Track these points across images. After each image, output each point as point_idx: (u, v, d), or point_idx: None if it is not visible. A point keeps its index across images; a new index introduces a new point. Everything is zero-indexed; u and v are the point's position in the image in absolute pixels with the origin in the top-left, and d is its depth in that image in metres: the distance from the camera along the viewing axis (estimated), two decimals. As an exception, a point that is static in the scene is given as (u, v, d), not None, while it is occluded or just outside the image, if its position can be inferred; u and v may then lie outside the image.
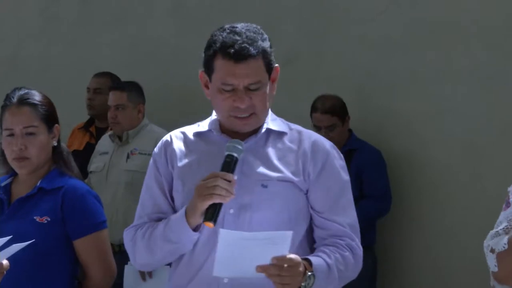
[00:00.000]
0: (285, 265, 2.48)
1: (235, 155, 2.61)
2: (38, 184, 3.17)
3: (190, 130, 2.81)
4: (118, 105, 5.47)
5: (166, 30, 6.20)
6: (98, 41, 6.47)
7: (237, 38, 2.63)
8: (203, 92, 3.01)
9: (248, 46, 2.62)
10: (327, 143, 2.79)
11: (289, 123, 2.83)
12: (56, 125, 3.26)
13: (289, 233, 2.47)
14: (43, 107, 3.22)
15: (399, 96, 5.33)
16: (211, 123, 2.77)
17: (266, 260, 2.49)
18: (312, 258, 2.60)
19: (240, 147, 2.62)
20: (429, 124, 5.22)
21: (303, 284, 2.54)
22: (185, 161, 2.73)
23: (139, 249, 2.72)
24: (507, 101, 5.00)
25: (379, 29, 5.39)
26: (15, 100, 3.19)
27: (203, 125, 2.80)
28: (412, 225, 5.30)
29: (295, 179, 2.69)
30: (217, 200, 2.54)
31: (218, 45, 2.64)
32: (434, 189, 5.22)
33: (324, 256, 2.64)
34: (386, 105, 5.37)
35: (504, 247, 2.71)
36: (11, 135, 3.17)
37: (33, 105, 3.19)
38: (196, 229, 2.62)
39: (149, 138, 5.32)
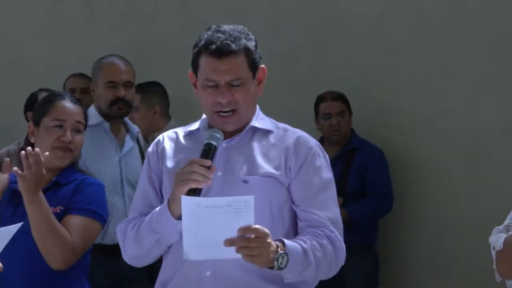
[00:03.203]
0: (252, 236, 2.46)
1: (214, 143, 2.66)
2: (53, 179, 3.27)
3: (182, 129, 2.88)
4: None
5: (171, 30, 6.21)
6: (102, 41, 6.47)
7: (220, 35, 2.71)
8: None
9: (229, 43, 2.70)
10: (312, 141, 2.82)
11: (278, 123, 2.88)
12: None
13: (251, 198, 2.45)
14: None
15: (401, 95, 5.32)
16: (201, 122, 2.84)
17: (233, 233, 2.46)
18: (285, 240, 2.60)
19: (218, 135, 2.68)
20: (431, 123, 5.21)
21: (275, 262, 2.52)
22: (174, 159, 2.80)
23: (128, 241, 2.76)
24: (510, 100, 4.99)
25: (381, 28, 5.39)
26: (65, 97, 3.35)
27: (195, 125, 2.87)
28: (414, 224, 5.29)
29: (276, 173, 2.73)
30: (193, 185, 2.56)
31: (202, 43, 2.73)
32: (436, 188, 5.21)
33: (300, 241, 2.64)
34: (387, 104, 5.37)
35: (500, 247, 2.73)
36: (60, 126, 3.27)
37: (81, 107, 3.37)
38: (180, 218, 2.57)
39: None
